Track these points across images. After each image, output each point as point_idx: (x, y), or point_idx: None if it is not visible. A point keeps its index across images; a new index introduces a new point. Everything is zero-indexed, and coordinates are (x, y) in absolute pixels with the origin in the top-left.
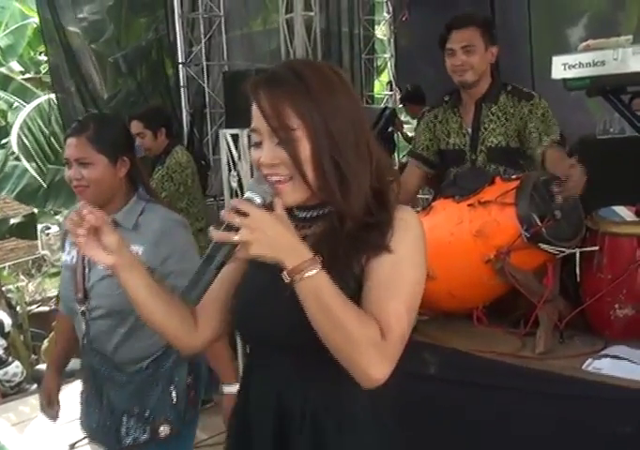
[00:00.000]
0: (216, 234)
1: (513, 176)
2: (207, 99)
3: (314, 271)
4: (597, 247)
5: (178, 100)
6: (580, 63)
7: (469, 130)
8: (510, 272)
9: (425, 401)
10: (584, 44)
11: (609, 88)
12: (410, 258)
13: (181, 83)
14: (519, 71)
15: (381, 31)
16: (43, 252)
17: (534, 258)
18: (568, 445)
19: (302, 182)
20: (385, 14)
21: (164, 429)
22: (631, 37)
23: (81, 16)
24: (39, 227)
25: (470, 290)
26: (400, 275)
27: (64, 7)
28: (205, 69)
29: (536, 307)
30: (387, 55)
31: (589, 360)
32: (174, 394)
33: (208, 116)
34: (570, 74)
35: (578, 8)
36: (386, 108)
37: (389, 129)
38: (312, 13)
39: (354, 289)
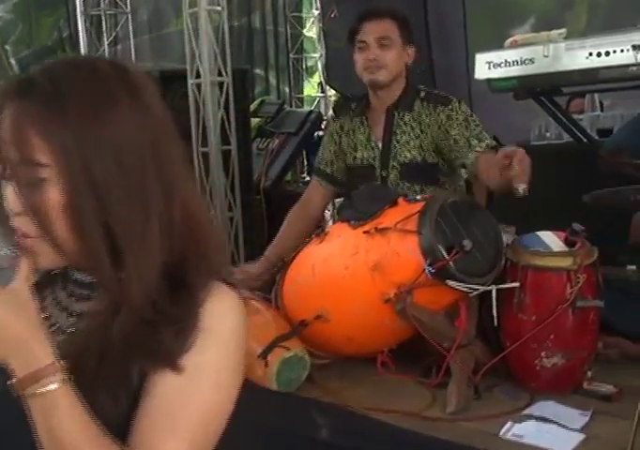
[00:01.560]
0: None
1: (418, 197)
2: None
3: (51, 386)
4: (517, 284)
5: None
6: (506, 61)
7: (379, 143)
8: (414, 314)
9: None
10: (510, 39)
11: (539, 89)
12: (210, 376)
13: None
14: (454, 70)
15: (310, 29)
16: None
17: (443, 296)
18: None
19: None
20: (313, 11)
21: None
22: (564, 30)
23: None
24: None
25: (370, 333)
26: (190, 401)
27: None
28: None
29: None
30: (316, 55)
31: (509, 423)
32: None
33: None
34: (495, 74)
35: (522, 7)
36: (311, 111)
37: (317, 134)
38: (218, 7)
39: (126, 407)
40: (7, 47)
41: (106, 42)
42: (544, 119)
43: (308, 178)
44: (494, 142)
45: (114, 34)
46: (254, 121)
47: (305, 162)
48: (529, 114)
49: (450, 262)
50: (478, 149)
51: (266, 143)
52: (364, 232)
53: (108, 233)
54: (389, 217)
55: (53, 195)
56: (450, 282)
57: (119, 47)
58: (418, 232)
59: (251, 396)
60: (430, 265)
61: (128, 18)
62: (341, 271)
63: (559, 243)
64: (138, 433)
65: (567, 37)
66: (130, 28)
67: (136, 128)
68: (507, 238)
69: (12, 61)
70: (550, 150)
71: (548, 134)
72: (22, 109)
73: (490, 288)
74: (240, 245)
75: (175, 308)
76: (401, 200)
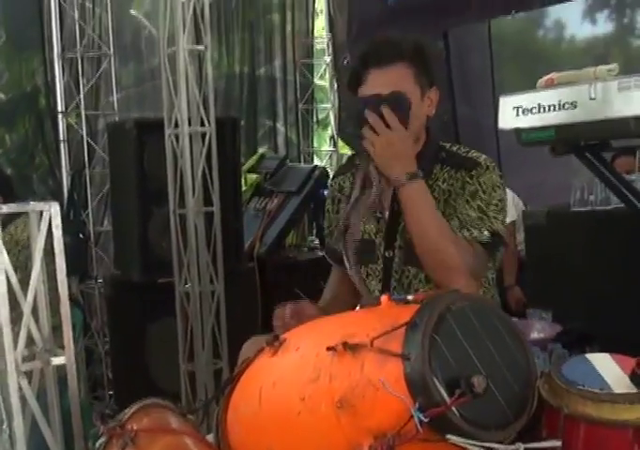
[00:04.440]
0: None
1: (410, 297)
2: (87, 157)
3: None
4: (559, 443)
5: (57, 158)
6: (540, 105)
7: (385, 214)
8: None
9: None
10: (545, 78)
11: (584, 142)
12: None
13: (60, 137)
14: (480, 125)
15: (322, 77)
16: None
17: None
18: None
19: None
20: (325, 58)
21: None
22: (615, 65)
23: None
24: None
25: None
26: None
27: None
28: (84, 119)
29: None
30: (328, 105)
31: None
32: None
33: (88, 178)
34: (525, 122)
35: (556, 60)
36: (315, 167)
37: (325, 192)
38: (201, 47)
39: None
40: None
41: (82, 89)
42: (587, 179)
43: (317, 242)
44: (486, 236)
45: (94, 79)
46: (252, 177)
47: (307, 225)
48: (569, 173)
49: (453, 408)
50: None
51: (264, 204)
52: (329, 349)
53: None
54: (367, 326)
55: None
56: (452, 437)
57: (103, 100)
58: (403, 357)
59: None
60: (420, 410)
61: (110, 61)
62: (295, 404)
63: (622, 377)
64: None
65: (619, 74)
66: (113, 72)
67: None
68: (542, 327)
69: None
70: (595, 217)
71: (592, 198)
72: None
73: (516, 448)
74: (222, 323)
75: None
76: (385, 299)
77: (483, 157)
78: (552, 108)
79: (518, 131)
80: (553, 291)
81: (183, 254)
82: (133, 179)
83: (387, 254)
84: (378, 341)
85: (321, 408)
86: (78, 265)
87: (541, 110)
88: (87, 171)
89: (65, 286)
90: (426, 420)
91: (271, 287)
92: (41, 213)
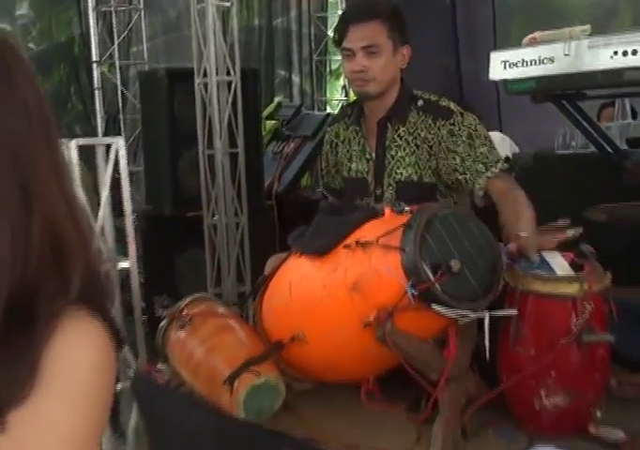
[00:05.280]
0: None
1: (407, 208)
2: (121, 103)
3: None
4: (515, 311)
5: (92, 104)
6: (523, 60)
7: (373, 155)
8: (395, 341)
9: None
10: (530, 36)
11: (560, 92)
12: (51, 435)
13: (95, 85)
14: (482, 79)
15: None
16: None
17: (430, 321)
18: None
19: None
20: (339, 11)
21: None
22: (588, 26)
23: (19, 13)
24: None
25: (351, 360)
26: None
27: None
28: (118, 69)
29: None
30: (340, 57)
31: None
32: None
33: (122, 122)
34: (510, 74)
35: (561, 17)
36: (328, 114)
37: None
38: (227, 3)
39: None
40: (31, 45)
41: (116, 41)
42: (570, 127)
43: None
44: (504, 165)
45: (125, 32)
46: (270, 123)
47: (320, 168)
48: (561, 124)
49: (436, 284)
50: (489, 174)
51: (281, 147)
52: (344, 247)
53: None
54: (373, 230)
55: None
56: (436, 306)
57: (134, 49)
58: (400, 249)
59: (216, 423)
60: (412, 287)
61: (140, 15)
62: (318, 291)
63: (565, 266)
64: None
65: (592, 33)
66: (143, 26)
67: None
68: None
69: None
70: (576, 159)
71: (574, 143)
72: None
73: (482, 315)
74: (246, 251)
75: (8, 350)
76: (387, 210)
77: (452, 104)
78: (533, 62)
79: (505, 82)
80: (538, 223)
81: (211, 189)
82: (164, 123)
83: (377, 192)
84: (382, 239)
85: (338, 292)
86: (113, 202)
87: (524, 64)
88: (121, 115)
89: (129, 205)
90: (416, 293)
91: (287, 222)
92: (108, 146)
